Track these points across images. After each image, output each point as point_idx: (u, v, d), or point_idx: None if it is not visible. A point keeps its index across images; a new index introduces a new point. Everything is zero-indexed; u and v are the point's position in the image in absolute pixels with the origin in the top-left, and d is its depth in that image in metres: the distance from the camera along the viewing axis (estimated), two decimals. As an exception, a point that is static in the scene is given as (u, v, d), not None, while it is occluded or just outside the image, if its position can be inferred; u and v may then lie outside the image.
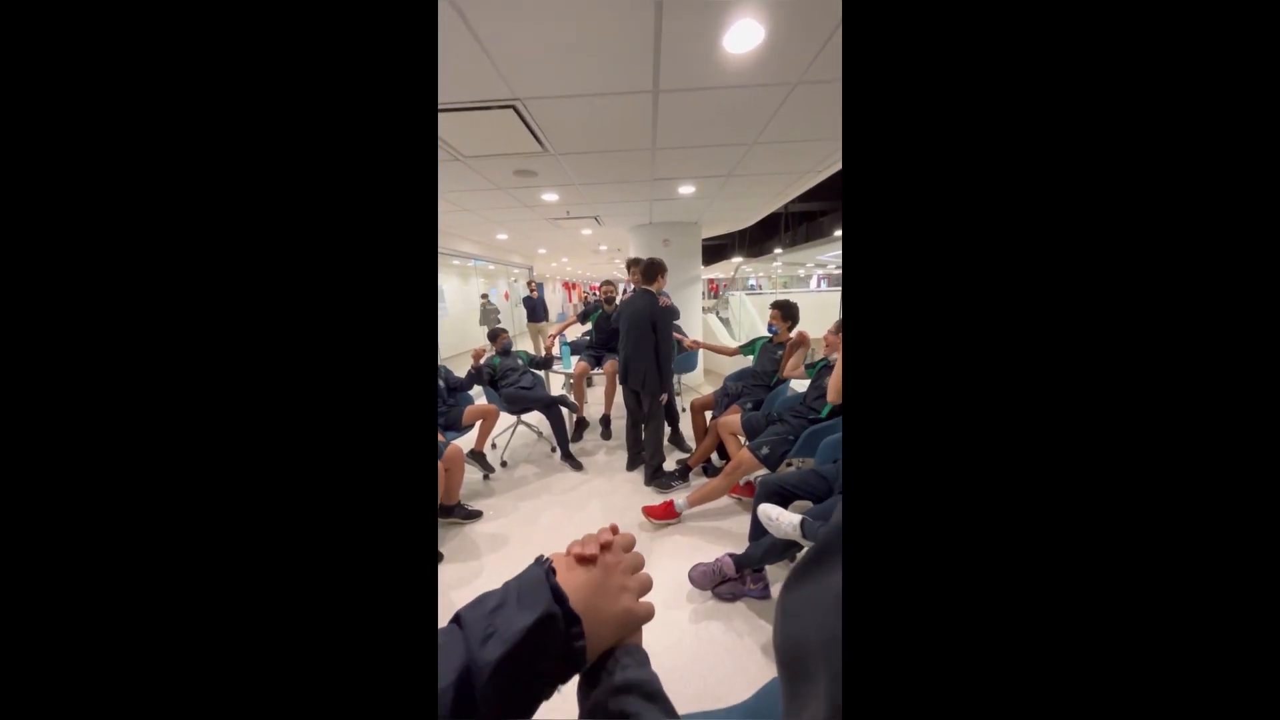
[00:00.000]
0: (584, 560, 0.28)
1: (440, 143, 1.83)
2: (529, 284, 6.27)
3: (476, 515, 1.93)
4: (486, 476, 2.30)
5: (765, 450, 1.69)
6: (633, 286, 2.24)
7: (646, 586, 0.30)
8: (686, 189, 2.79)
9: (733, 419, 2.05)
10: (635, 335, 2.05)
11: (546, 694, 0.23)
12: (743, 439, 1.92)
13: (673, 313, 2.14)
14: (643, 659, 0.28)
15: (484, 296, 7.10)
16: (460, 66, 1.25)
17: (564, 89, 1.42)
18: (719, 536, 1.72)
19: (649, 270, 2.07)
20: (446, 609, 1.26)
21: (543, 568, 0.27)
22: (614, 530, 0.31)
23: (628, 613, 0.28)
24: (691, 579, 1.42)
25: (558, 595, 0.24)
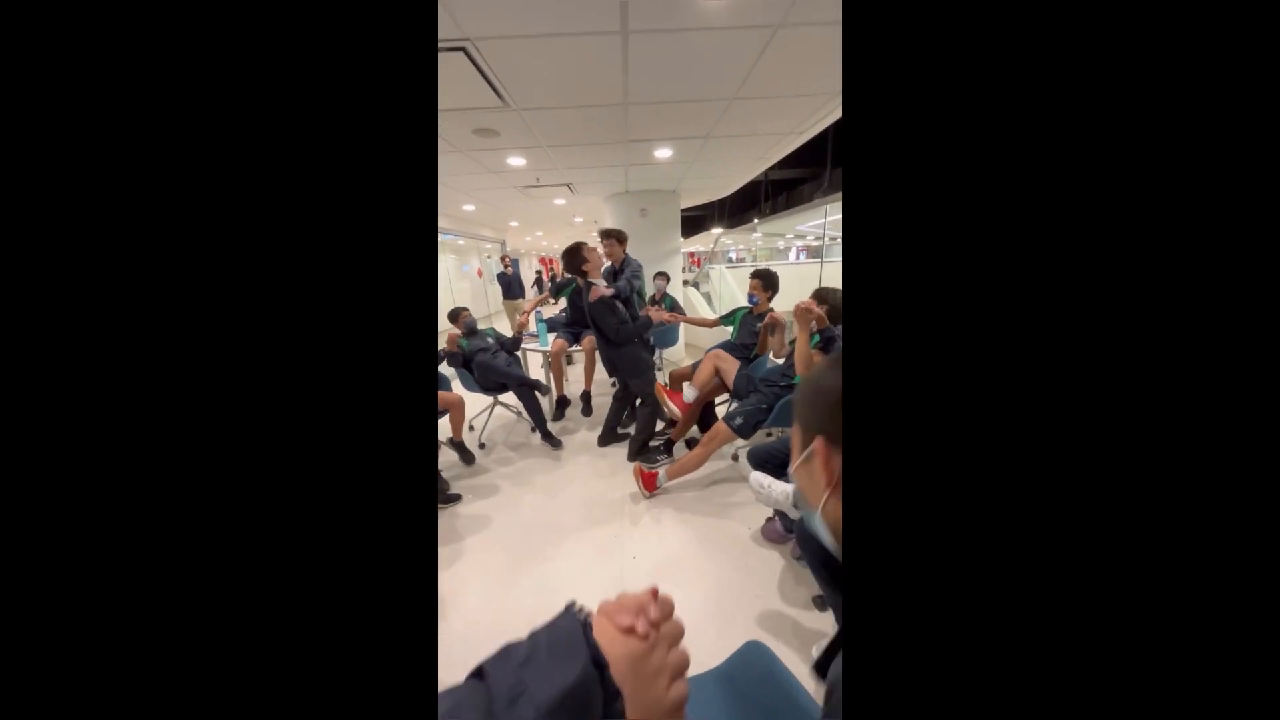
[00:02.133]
0: (629, 631, 0.22)
1: (384, 94, 1.62)
2: (503, 259, 6.02)
3: (455, 499, 1.87)
4: (469, 464, 2.22)
5: (739, 421, 1.70)
6: (606, 263, 2.13)
7: (684, 666, 0.24)
8: (663, 152, 2.64)
9: (722, 354, 2.11)
10: (597, 333, 1.96)
11: None
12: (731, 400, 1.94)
13: (626, 287, 2.02)
14: None
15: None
16: None
17: (520, 28, 1.25)
18: (707, 505, 1.73)
19: (568, 259, 1.90)
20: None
21: (578, 619, 0.22)
22: (655, 594, 0.24)
23: (663, 702, 0.22)
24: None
25: (596, 657, 0.20)
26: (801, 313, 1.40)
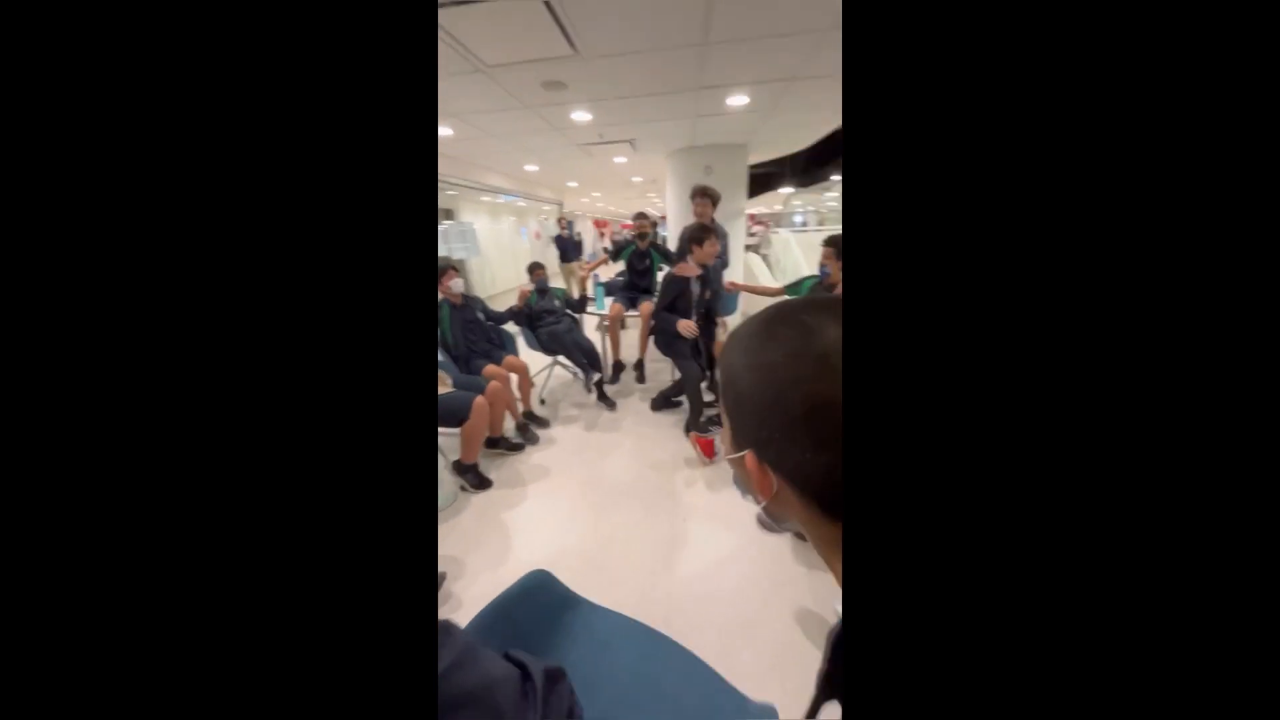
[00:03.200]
0: None
1: (461, 49, 1.62)
2: (559, 221, 5.88)
3: (520, 448, 2.04)
4: (534, 440, 2.16)
5: None
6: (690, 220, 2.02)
7: None
8: (737, 100, 2.40)
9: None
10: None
11: None
12: None
13: (718, 267, 1.94)
14: None
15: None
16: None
17: (600, -40, 1.15)
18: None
19: (692, 238, 1.84)
20: (498, 528, 1.36)
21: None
22: None
23: None
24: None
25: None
26: None
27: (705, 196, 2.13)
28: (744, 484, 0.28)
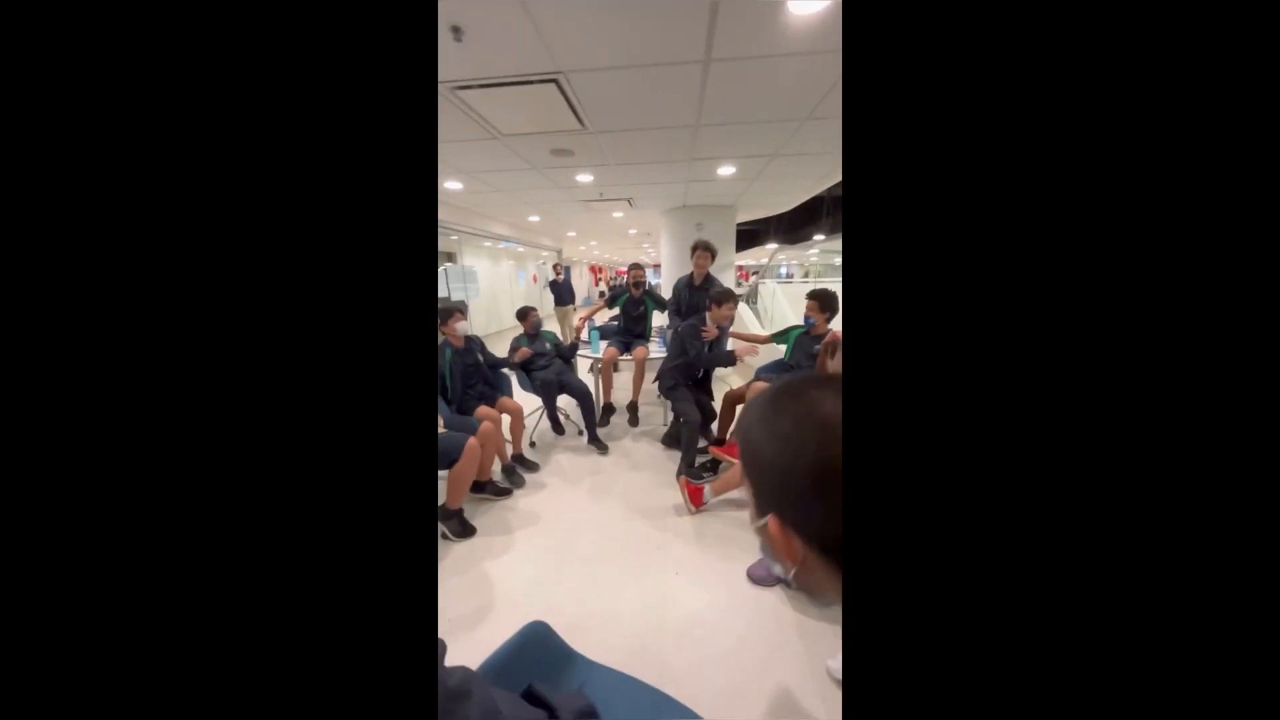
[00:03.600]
0: None
1: (480, 120, 1.80)
2: (555, 267, 6.01)
3: (507, 493, 1.98)
4: (521, 483, 2.12)
5: None
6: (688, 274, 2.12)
7: None
8: (726, 170, 2.66)
9: (761, 386, 2.02)
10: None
11: None
12: None
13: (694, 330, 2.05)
14: None
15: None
16: (503, 37, 1.20)
17: (610, 60, 1.35)
18: (745, 526, 1.69)
19: (711, 295, 1.98)
20: (481, 580, 1.28)
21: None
22: None
23: None
24: (749, 575, 1.42)
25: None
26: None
27: (706, 250, 2.27)
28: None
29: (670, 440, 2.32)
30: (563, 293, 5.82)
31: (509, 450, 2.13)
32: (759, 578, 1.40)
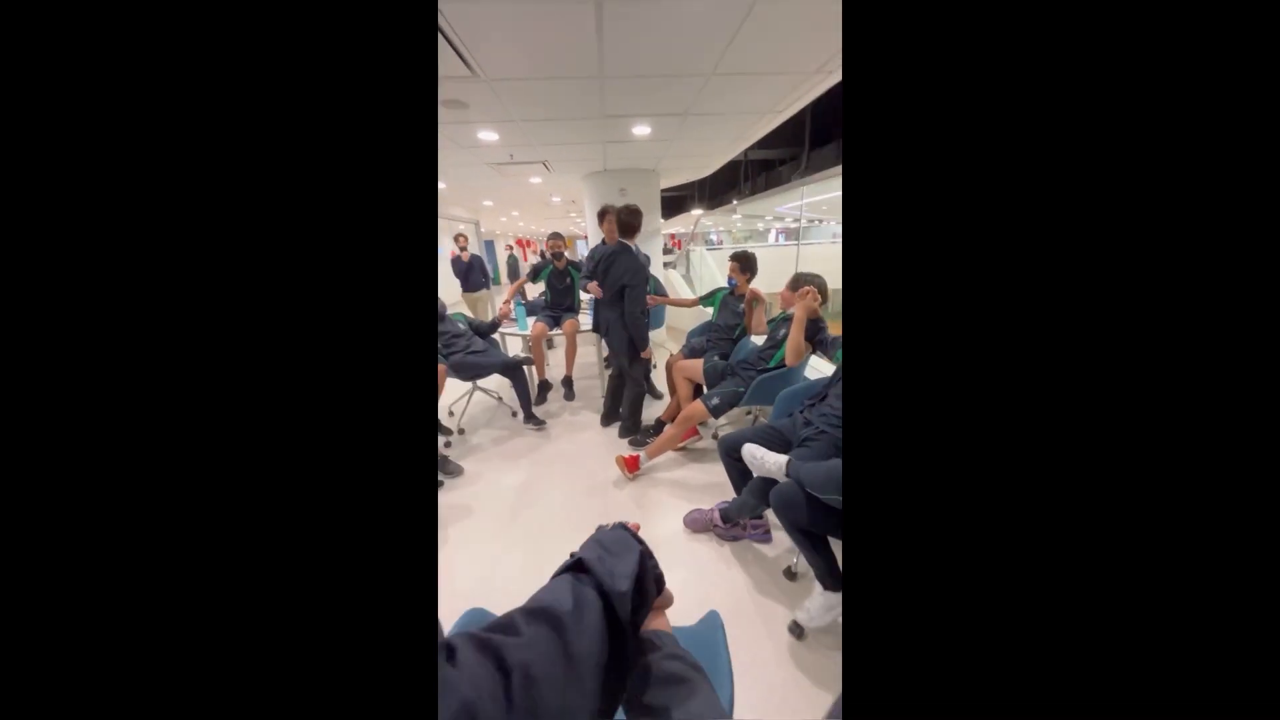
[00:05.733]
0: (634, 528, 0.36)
1: (341, 60, 1.50)
2: (456, 239, 4.27)
3: (458, 471, 1.86)
4: (447, 443, 2.21)
5: (715, 401, 1.76)
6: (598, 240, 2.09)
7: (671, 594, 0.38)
8: (641, 129, 2.58)
9: (688, 363, 2.10)
10: (615, 296, 1.94)
11: (641, 617, 0.31)
12: (705, 389, 1.97)
13: (645, 269, 2.04)
14: (676, 640, 0.35)
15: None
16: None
17: (488, -10, 1.18)
18: (681, 488, 1.79)
19: (628, 222, 1.92)
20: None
21: (624, 527, 0.36)
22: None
23: (667, 597, 0.37)
24: (685, 523, 1.51)
25: (644, 549, 0.33)
26: (803, 295, 1.45)
27: (614, 217, 2.21)
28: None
29: (609, 418, 2.32)
30: (470, 273, 4.41)
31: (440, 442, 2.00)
32: (694, 523, 1.51)
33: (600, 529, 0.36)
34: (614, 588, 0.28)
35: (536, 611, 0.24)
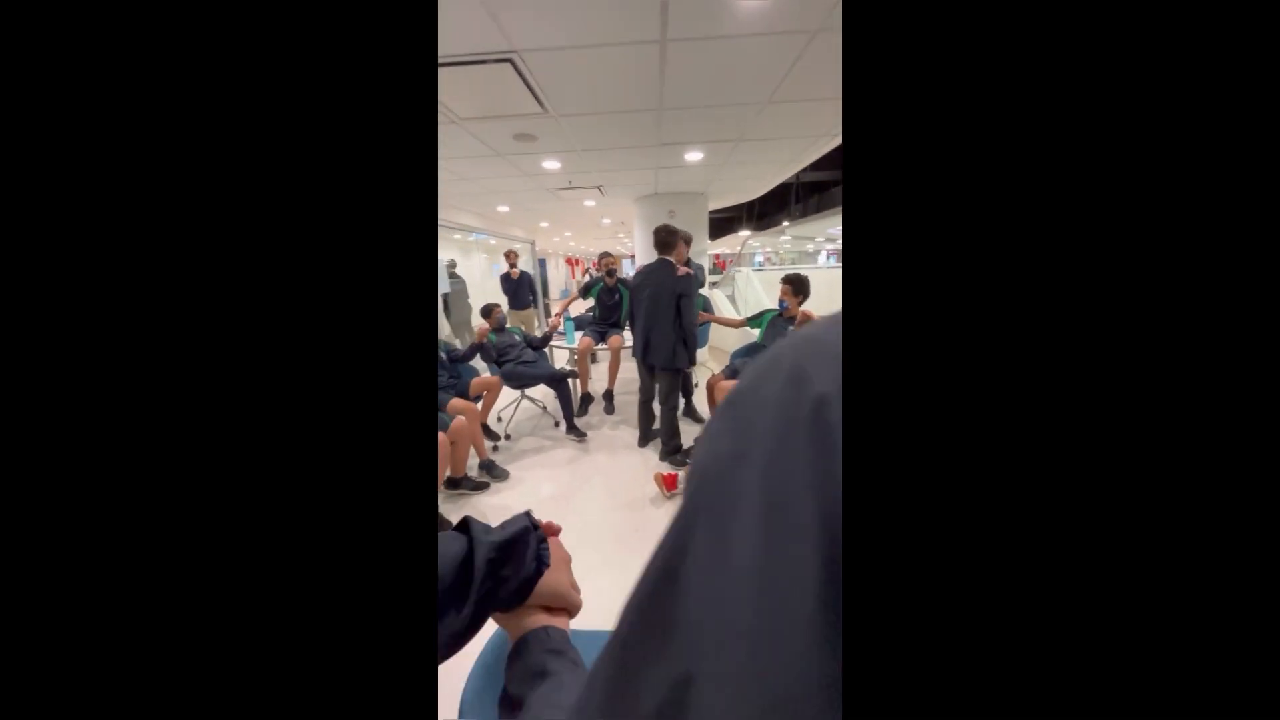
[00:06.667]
0: (550, 530, 0.38)
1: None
2: (507, 255, 4.15)
3: (484, 487, 1.96)
4: (495, 447, 2.33)
5: None
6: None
7: (577, 598, 0.38)
8: (694, 155, 2.66)
9: (732, 384, 2.06)
10: (657, 310, 1.99)
11: (505, 596, 0.32)
12: None
13: (695, 281, 2.06)
14: (567, 639, 0.34)
15: (451, 263, 5.16)
16: (453, 14, 1.15)
17: (564, 39, 1.32)
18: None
19: (665, 240, 1.99)
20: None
21: (527, 515, 0.37)
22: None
23: (568, 588, 0.36)
24: None
25: (532, 524, 0.35)
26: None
27: (677, 237, 2.29)
28: None
29: (646, 438, 2.30)
30: (519, 291, 4.23)
31: (486, 446, 2.13)
32: None
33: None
34: (481, 538, 0.30)
35: None
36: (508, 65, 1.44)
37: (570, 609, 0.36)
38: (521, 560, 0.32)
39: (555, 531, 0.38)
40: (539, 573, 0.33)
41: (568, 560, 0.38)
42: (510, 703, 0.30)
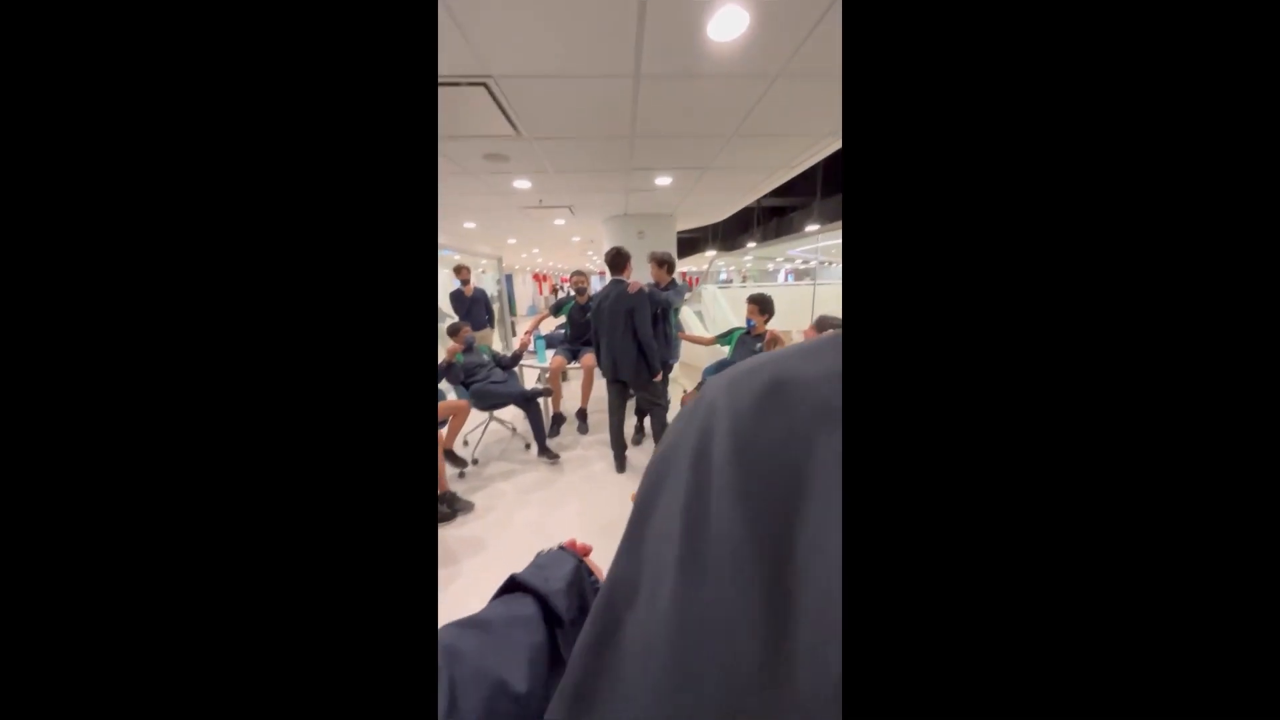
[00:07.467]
0: (584, 552, 0.39)
1: (402, 120, 1.69)
2: (458, 271, 3.63)
3: (449, 517, 1.85)
4: (461, 474, 2.21)
5: None
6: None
7: None
8: (663, 180, 2.77)
9: None
10: (615, 327, 2.02)
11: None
12: None
13: (649, 297, 2.10)
14: None
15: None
16: (426, 36, 1.15)
17: (540, 68, 1.35)
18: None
19: (614, 260, 2.05)
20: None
21: (562, 548, 0.37)
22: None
23: None
24: None
25: (575, 557, 0.35)
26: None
27: (662, 265, 2.37)
28: None
29: (623, 465, 2.27)
30: (474, 310, 3.63)
31: (447, 476, 2.02)
32: None
33: (539, 554, 0.37)
34: (548, 588, 0.29)
35: (460, 622, 0.26)
36: (482, 89, 1.44)
37: None
38: (587, 601, 0.33)
39: (587, 552, 0.39)
40: None
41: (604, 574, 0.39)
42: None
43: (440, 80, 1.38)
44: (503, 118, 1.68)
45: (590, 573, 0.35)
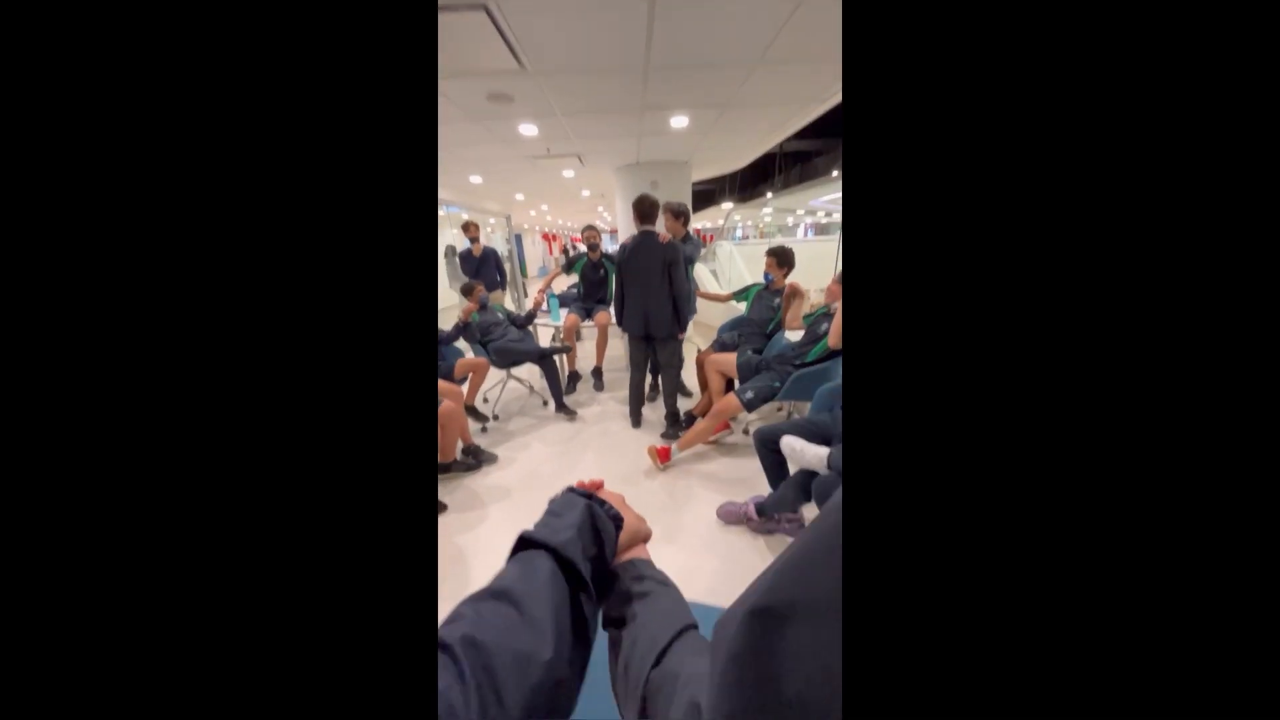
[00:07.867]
0: (595, 487, 0.40)
1: (399, 56, 1.57)
2: (466, 230, 3.44)
3: (475, 467, 1.95)
4: (484, 428, 2.30)
5: (749, 395, 1.73)
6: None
7: (646, 528, 0.41)
8: (679, 120, 2.56)
9: (720, 357, 2.09)
10: (651, 282, 1.94)
11: (609, 555, 0.34)
12: (738, 383, 1.96)
13: (685, 249, 2.01)
14: (650, 565, 0.37)
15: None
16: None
17: (545, -16, 1.20)
18: (712, 480, 1.80)
19: (647, 210, 1.93)
20: (454, 555, 1.29)
21: (569, 489, 0.38)
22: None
23: (636, 523, 0.39)
24: (719, 514, 1.53)
25: (588, 499, 0.35)
26: (834, 293, 1.43)
27: (678, 217, 2.20)
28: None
29: (637, 416, 2.30)
30: (484, 270, 3.42)
31: (470, 432, 2.10)
32: (728, 515, 1.51)
33: (551, 500, 0.37)
34: (556, 540, 0.30)
35: (480, 594, 0.26)
36: (482, 13, 1.31)
37: (645, 539, 0.40)
38: (604, 534, 0.33)
39: (599, 486, 0.39)
40: (619, 529, 0.35)
41: (622, 499, 0.39)
42: (614, 622, 0.32)
43: (439, 4, 1.26)
44: (506, 49, 1.54)
45: (603, 503, 0.35)
